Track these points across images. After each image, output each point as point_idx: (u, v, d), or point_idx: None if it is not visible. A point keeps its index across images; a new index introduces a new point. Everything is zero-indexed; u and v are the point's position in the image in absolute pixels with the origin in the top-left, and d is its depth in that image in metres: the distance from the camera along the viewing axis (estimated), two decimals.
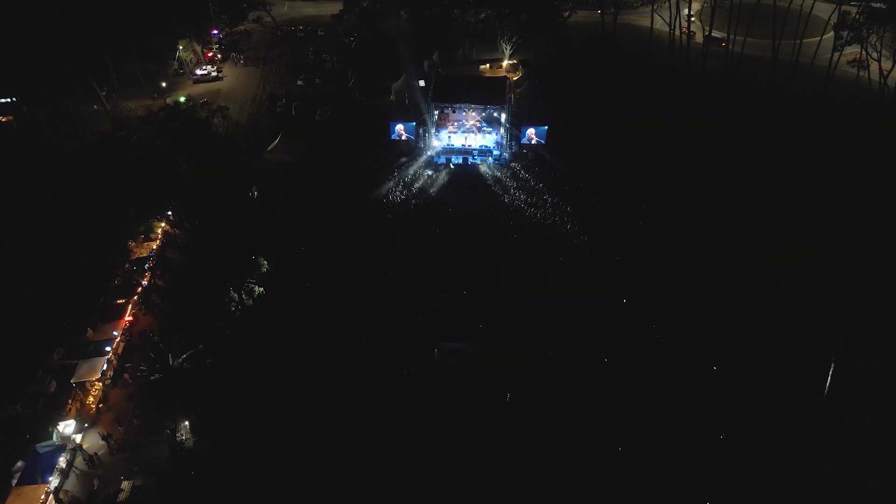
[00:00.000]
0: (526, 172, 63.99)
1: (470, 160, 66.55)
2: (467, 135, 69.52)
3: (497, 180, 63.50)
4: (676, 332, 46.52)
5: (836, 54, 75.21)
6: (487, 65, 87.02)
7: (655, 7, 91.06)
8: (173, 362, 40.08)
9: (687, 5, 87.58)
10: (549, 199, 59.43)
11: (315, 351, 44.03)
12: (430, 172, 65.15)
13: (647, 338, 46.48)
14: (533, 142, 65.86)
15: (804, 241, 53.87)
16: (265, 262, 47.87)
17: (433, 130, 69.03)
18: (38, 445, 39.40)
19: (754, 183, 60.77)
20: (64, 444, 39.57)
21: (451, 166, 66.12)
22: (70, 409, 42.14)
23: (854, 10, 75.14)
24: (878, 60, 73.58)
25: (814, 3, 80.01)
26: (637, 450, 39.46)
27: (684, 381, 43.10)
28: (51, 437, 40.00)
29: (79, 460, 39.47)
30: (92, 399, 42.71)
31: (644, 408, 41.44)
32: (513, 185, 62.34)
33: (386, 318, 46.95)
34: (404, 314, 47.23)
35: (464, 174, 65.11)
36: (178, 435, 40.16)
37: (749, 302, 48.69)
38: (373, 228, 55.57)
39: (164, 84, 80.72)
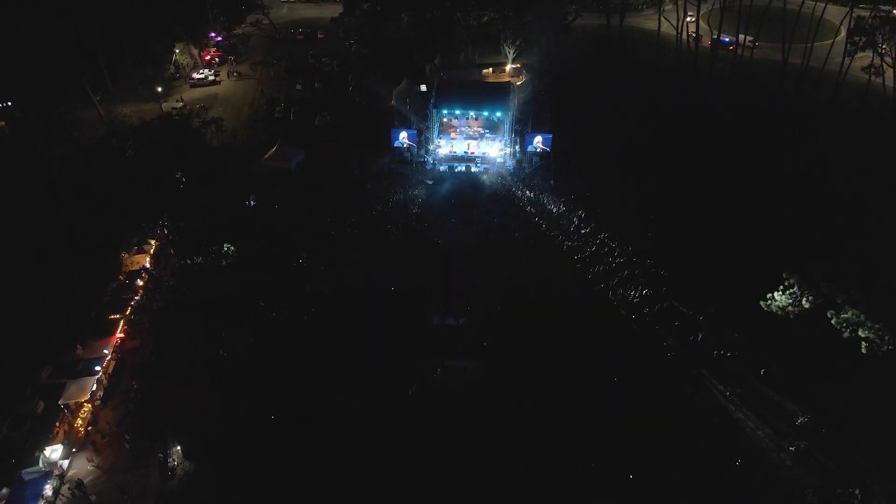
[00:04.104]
0: (526, 186, 62.00)
1: (473, 168, 64.77)
2: (470, 141, 67.88)
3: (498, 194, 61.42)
4: (689, 347, 44.80)
5: (848, 60, 73.52)
6: (490, 69, 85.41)
7: (662, 10, 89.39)
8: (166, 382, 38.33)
9: (695, 8, 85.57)
10: (555, 210, 57.73)
11: (315, 371, 42.43)
12: (430, 181, 63.37)
13: (658, 355, 44.75)
14: (538, 149, 64.17)
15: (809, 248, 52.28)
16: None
17: (435, 137, 67.31)
18: (23, 472, 37.58)
19: (760, 190, 59.26)
20: (50, 471, 37.80)
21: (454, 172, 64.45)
22: (58, 433, 40.41)
23: (867, 13, 73.50)
24: (894, 66, 71.79)
25: (825, 7, 78.21)
26: (648, 475, 37.81)
27: (698, 401, 41.38)
28: (37, 463, 38.28)
29: (66, 488, 37.74)
30: (80, 421, 40.96)
31: (655, 430, 39.72)
32: (515, 200, 60.27)
33: (388, 334, 45.28)
34: (406, 331, 45.54)
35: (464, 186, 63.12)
36: (169, 460, 38.46)
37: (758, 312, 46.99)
38: (374, 240, 53.94)
39: (159, 89, 79.04)
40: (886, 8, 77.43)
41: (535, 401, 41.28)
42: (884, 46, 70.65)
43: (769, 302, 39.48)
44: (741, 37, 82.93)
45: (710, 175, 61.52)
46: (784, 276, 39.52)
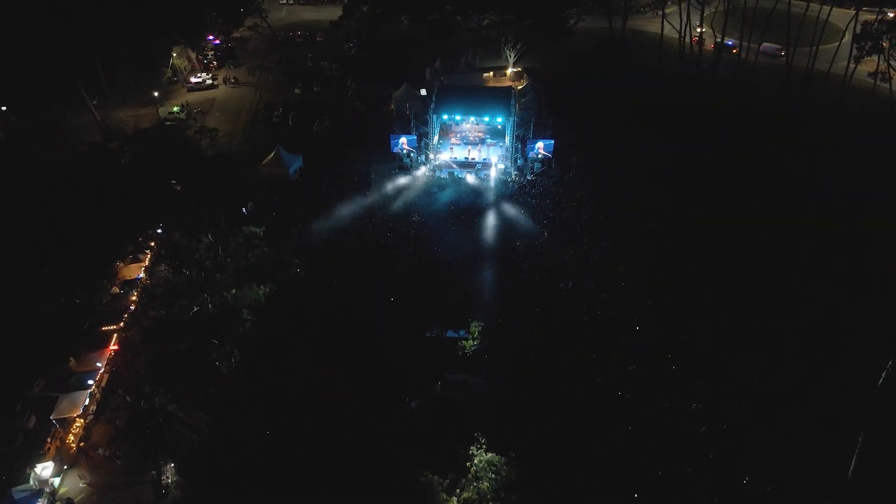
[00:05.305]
0: (528, 193, 60.98)
1: (473, 174, 63.77)
2: (471, 147, 66.95)
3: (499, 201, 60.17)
4: (694, 361, 43.85)
5: (853, 64, 72.54)
6: (491, 72, 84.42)
7: (664, 13, 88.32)
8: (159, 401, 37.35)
9: (699, 12, 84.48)
10: (557, 217, 56.82)
11: (312, 385, 41.59)
12: (432, 189, 62.35)
13: (662, 368, 43.82)
14: (540, 155, 63.27)
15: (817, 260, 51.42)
16: (259, 290, 44.91)
17: (435, 143, 66.32)
18: (14, 489, 36.75)
19: (766, 197, 58.44)
20: (41, 489, 36.93)
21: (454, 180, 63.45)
22: (49, 449, 39.51)
23: (872, 16, 72.56)
24: None
25: (830, 10, 77.19)
26: (652, 489, 36.93)
27: (705, 417, 40.40)
28: (27, 480, 37.41)
29: None
30: (72, 437, 40.04)
31: (662, 447, 38.79)
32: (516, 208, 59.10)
33: (386, 347, 44.36)
34: (405, 343, 44.63)
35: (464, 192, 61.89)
36: (163, 477, 37.61)
37: (768, 327, 46.07)
38: (372, 248, 53.04)
39: (156, 93, 77.98)
40: (889, 10, 76.42)
41: (537, 412, 40.57)
42: (884, 43, 69.29)
43: None
44: (772, 46, 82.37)
45: (715, 180, 60.75)
46: None
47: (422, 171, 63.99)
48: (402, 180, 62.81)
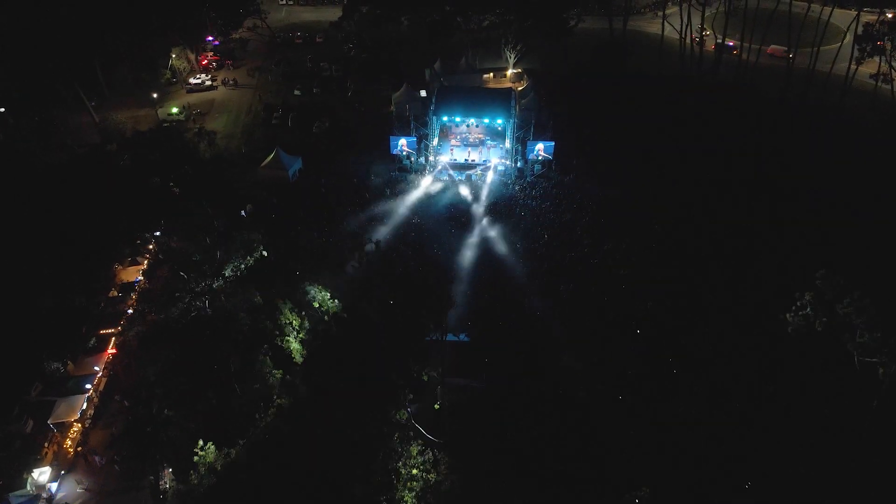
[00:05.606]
0: (528, 195, 60.66)
1: (473, 176, 63.54)
2: (470, 149, 66.66)
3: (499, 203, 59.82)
4: (694, 363, 43.61)
5: (854, 66, 72.30)
6: (491, 73, 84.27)
7: (665, 14, 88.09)
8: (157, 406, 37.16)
9: (700, 13, 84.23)
10: (557, 220, 56.57)
11: (311, 388, 41.39)
12: (431, 190, 62.09)
13: (662, 371, 43.58)
14: (540, 157, 62.99)
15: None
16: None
17: (435, 145, 66.04)
18: (11, 495, 36.57)
19: (766, 197, 58.17)
20: (38, 494, 36.74)
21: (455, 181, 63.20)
22: (46, 454, 39.24)
23: (873, 17, 72.35)
24: None
25: (832, 11, 76.95)
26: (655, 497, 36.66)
27: (705, 419, 40.14)
28: (24, 485, 37.13)
29: None
30: (70, 442, 39.79)
31: (662, 450, 38.56)
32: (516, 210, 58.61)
33: (387, 349, 44.11)
34: (405, 347, 44.35)
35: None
36: (161, 483, 37.35)
37: (769, 329, 45.78)
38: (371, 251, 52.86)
39: (155, 94, 77.61)
40: (890, 11, 76.14)
41: (538, 415, 40.35)
42: (885, 44, 69.00)
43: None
44: (777, 47, 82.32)
45: (715, 181, 60.51)
46: (796, 296, 37.64)
47: (427, 180, 63.42)
48: (402, 183, 62.46)
